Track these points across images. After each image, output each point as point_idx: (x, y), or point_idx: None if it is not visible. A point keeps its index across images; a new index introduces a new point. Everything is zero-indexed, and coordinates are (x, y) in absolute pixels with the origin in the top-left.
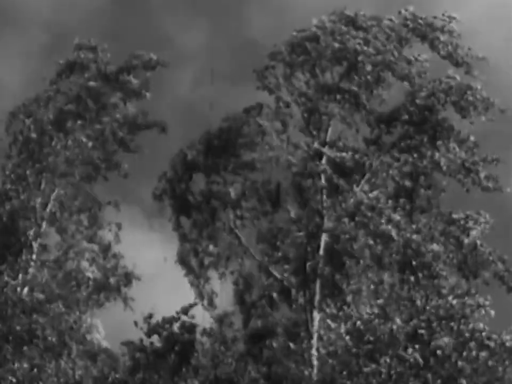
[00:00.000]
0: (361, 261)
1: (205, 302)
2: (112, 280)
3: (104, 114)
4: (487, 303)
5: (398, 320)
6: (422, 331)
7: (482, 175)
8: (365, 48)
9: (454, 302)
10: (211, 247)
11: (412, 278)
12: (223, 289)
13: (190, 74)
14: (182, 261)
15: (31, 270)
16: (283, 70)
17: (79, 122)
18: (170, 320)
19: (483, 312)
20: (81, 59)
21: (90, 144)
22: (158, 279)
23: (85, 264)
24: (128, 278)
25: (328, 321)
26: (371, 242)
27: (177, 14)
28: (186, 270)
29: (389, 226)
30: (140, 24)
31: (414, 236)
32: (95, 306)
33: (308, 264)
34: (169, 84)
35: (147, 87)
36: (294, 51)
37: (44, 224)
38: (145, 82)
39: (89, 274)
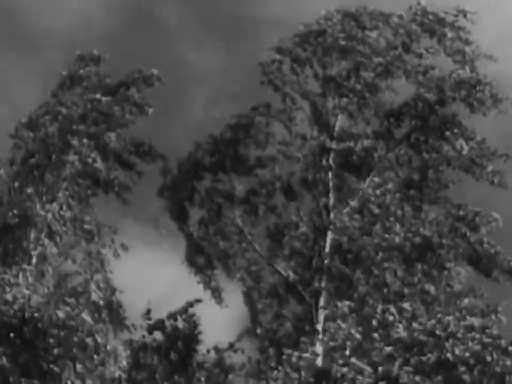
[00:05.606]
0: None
1: (213, 299)
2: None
3: (108, 128)
4: (499, 309)
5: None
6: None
7: (489, 169)
8: (372, 44)
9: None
10: (220, 243)
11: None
12: (229, 286)
13: (203, 96)
14: (190, 260)
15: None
16: (290, 64)
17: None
18: (174, 315)
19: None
20: (84, 71)
21: (94, 156)
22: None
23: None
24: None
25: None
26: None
27: (192, 36)
28: (194, 269)
29: (397, 224)
30: (155, 45)
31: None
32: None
33: (314, 260)
34: (182, 105)
35: (149, 103)
36: (300, 45)
37: (43, 235)
38: (147, 96)
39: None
